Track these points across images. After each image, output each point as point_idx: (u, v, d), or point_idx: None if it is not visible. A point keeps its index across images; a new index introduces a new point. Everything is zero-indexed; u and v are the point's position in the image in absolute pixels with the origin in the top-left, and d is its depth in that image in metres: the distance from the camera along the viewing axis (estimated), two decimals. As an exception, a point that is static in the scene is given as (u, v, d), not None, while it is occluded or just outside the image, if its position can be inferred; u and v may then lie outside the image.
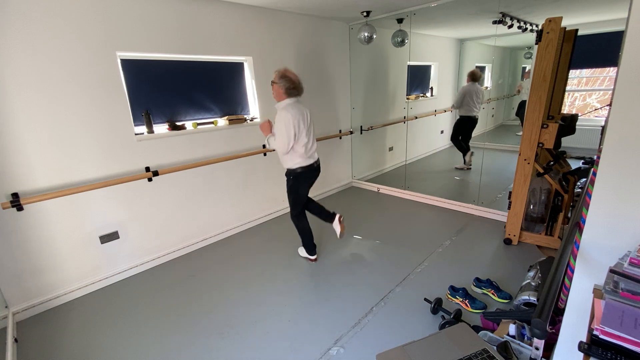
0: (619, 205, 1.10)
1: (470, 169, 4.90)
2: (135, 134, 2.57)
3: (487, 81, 5.74)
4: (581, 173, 3.14)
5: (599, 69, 4.97)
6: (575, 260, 1.22)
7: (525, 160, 2.69)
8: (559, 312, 1.44)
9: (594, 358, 0.83)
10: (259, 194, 3.52)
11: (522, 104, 5.49)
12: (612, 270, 0.97)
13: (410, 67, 4.65)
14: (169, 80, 2.77)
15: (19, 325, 2.17)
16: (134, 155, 2.57)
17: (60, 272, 2.36)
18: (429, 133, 5.60)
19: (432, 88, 5.36)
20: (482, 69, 5.68)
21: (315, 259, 2.74)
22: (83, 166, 2.34)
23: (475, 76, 4.64)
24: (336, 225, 2.71)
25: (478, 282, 2.27)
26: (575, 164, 3.42)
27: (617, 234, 1.11)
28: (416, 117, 4.99)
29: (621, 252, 1.07)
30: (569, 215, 2.78)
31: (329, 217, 2.73)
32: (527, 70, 5.58)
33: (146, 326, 2.11)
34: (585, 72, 5.13)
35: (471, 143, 5.04)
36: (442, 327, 1.92)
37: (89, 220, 2.43)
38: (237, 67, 3.21)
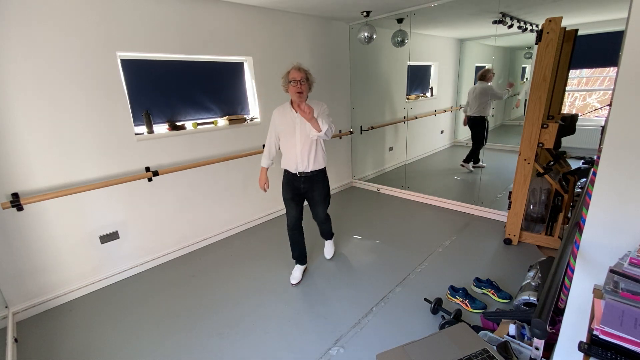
0: (619, 205, 1.10)
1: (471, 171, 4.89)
2: (135, 134, 2.57)
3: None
4: (581, 173, 3.13)
5: (599, 69, 4.97)
6: (575, 260, 1.22)
7: (525, 160, 2.69)
8: (559, 312, 1.44)
9: (594, 358, 0.83)
10: (259, 194, 3.52)
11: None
12: (612, 270, 0.97)
13: (410, 67, 4.65)
14: (169, 80, 2.77)
15: (19, 325, 2.17)
16: (134, 155, 2.57)
17: (60, 272, 2.36)
18: (429, 133, 5.60)
19: (432, 88, 5.37)
20: (482, 69, 5.68)
21: (296, 282, 2.49)
22: (83, 166, 2.34)
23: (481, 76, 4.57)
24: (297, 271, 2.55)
25: (478, 282, 2.27)
26: (575, 164, 3.42)
27: (617, 234, 1.11)
28: (416, 117, 5.00)
29: (621, 252, 1.07)
30: (569, 215, 2.77)
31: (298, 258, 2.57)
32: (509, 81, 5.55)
33: (146, 326, 2.11)
34: (585, 72, 5.13)
35: (471, 142, 5.02)
36: (442, 327, 1.92)
37: (89, 220, 2.43)
38: (237, 67, 3.21)
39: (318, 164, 2.32)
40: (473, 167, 4.85)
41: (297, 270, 2.54)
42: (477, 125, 4.65)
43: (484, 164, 4.88)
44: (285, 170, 2.38)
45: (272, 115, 2.33)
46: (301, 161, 2.26)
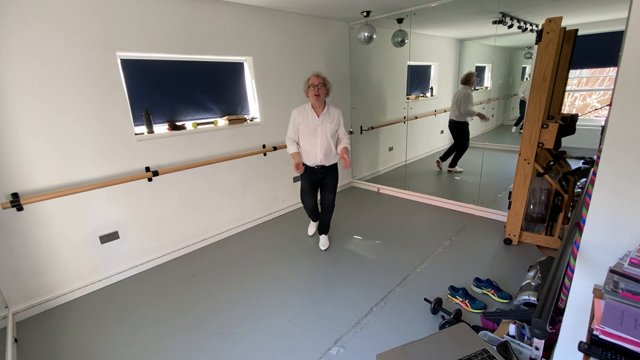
0: (619, 205, 1.10)
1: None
2: (135, 134, 2.57)
3: (487, 81, 5.73)
4: (581, 173, 3.13)
5: (599, 69, 4.96)
6: (575, 260, 1.22)
7: (525, 160, 2.69)
8: (559, 312, 1.44)
9: (594, 358, 0.83)
10: (259, 194, 3.52)
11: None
12: (612, 270, 0.97)
13: (410, 67, 4.64)
14: (169, 80, 2.77)
15: (19, 325, 2.17)
16: (134, 155, 2.57)
17: (60, 272, 2.36)
18: (429, 133, 5.59)
19: (432, 88, 5.36)
20: (482, 69, 5.68)
21: (312, 234, 3.21)
22: (83, 166, 2.34)
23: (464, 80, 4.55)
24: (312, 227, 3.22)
25: (478, 282, 2.27)
26: (575, 164, 3.42)
27: (617, 234, 1.11)
28: (416, 117, 4.99)
29: (621, 252, 1.07)
30: (569, 215, 2.77)
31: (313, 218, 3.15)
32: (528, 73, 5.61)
33: (146, 326, 2.11)
34: (585, 72, 5.13)
35: (472, 143, 5.03)
36: (442, 327, 1.92)
37: (89, 220, 2.43)
38: (237, 67, 3.21)
39: (334, 159, 2.77)
40: (449, 169, 4.89)
41: (313, 226, 3.20)
42: (459, 130, 4.67)
43: (461, 169, 4.90)
44: (304, 165, 2.74)
45: (292, 114, 2.70)
46: (321, 157, 2.67)
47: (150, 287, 2.53)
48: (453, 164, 4.85)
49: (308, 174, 2.78)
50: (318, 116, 2.61)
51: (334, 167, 2.80)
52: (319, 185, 2.86)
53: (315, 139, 2.63)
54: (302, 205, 3.02)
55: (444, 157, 4.93)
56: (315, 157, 2.68)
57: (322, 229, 3.01)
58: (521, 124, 4.84)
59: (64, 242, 2.34)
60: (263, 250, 2.98)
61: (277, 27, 3.32)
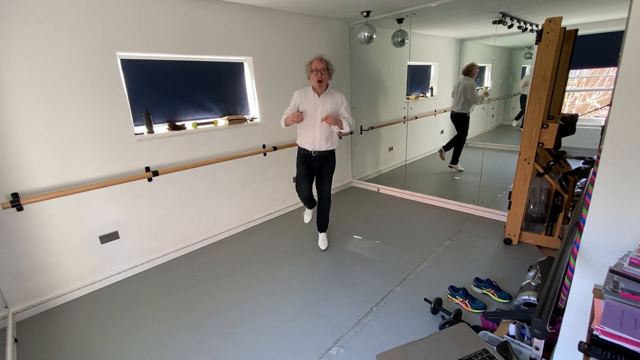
0: (619, 205, 1.10)
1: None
2: (135, 134, 2.57)
3: (487, 81, 5.74)
4: (581, 173, 3.14)
5: (599, 69, 4.96)
6: (575, 260, 1.22)
7: (525, 160, 2.69)
8: (559, 312, 1.44)
9: (594, 358, 0.83)
10: (259, 194, 3.52)
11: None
12: (612, 270, 0.97)
13: (410, 67, 4.64)
14: (169, 80, 2.77)
15: (19, 325, 2.17)
16: (134, 155, 2.57)
17: (60, 272, 2.36)
18: (429, 133, 5.60)
19: (432, 88, 5.36)
20: (482, 69, 5.69)
21: (308, 221, 3.10)
22: (83, 166, 2.34)
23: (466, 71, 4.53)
24: (306, 215, 3.11)
25: (478, 282, 2.27)
26: (575, 164, 3.42)
27: (617, 234, 1.11)
28: (416, 117, 4.99)
29: (621, 252, 1.07)
30: (569, 215, 2.77)
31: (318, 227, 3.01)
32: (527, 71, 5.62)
33: (146, 326, 2.11)
34: (585, 72, 5.13)
35: (472, 143, 5.03)
36: (442, 327, 1.92)
37: (89, 220, 2.43)
38: (237, 67, 3.21)
39: (332, 145, 2.67)
40: (450, 166, 4.87)
41: (308, 214, 3.07)
42: (459, 121, 4.67)
43: (462, 168, 4.89)
44: (302, 149, 2.68)
45: (294, 94, 2.61)
46: (319, 141, 2.58)
47: (150, 287, 2.53)
48: (454, 161, 4.84)
49: (305, 159, 2.69)
50: (319, 96, 2.55)
51: (332, 155, 2.73)
52: (314, 173, 2.75)
53: (314, 121, 2.54)
54: (297, 192, 2.87)
55: (447, 147, 4.92)
56: (314, 140, 2.58)
57: (321, 226, 2.96)
58: (522, 118, 4.83)
59: (64, 242, 2.34)
60: (263, 250, 2.98)
61: (277, 27, 3.32)
